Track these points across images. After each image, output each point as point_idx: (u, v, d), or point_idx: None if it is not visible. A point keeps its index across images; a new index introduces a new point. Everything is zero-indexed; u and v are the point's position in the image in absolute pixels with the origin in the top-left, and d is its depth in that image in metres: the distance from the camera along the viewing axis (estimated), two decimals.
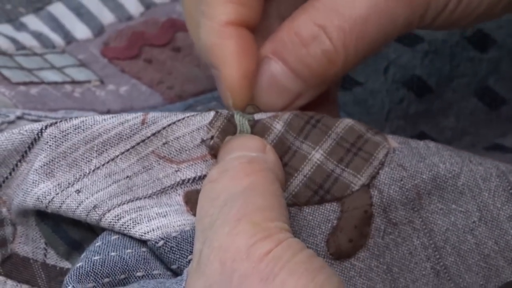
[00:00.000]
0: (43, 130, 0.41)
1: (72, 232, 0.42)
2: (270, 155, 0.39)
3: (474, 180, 0.41)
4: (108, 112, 0.56)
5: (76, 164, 0.41)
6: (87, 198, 0.40)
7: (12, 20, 0.64)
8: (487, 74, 0.58)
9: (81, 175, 0.41)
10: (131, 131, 0.41)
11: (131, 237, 0.39)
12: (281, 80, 0.41)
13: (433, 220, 0.41)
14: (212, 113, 0.42)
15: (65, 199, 0.40)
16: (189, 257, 0.38)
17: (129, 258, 0.39)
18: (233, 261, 0.33)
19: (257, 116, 0.42)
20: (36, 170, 0.41)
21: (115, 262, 0.38)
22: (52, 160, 0.41)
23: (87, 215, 0.40)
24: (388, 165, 0.41)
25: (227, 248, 0.34)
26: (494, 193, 0.41)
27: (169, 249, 0.38)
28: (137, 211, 0.39)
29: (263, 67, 0.42)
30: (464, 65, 0.58)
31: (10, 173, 0.42)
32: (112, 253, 0.39)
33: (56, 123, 0.41)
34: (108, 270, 0.38)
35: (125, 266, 0.38)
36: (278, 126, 0.41)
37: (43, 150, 0.41)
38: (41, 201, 0.40)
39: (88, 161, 0.41)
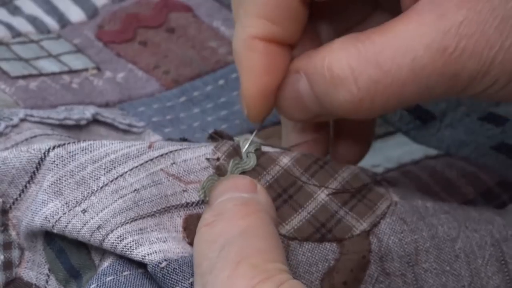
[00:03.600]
0: (50, 150, 0.41)
1: (73, 258, 0.42)
2: (262, 195, 0.39)
3: (470, 247, 0.42)
4: (107, 104, 0.56)
5: (84, 182, 0.41)
6: (92, 218, 0.40)
7: (6, 3, 0.64)
8: None
9: (89, 193, 0.41)
10: (138, 152, 0.41)
11: (126, 280, 0.39)
12: (305, 99, 0.41)
13: (425, 277, 0.41)
14: (218, 142, 0.42)
15: (71, 219, 0.40)
16: (191, 280, 0.38)
17: None
18: None
19: (265, 148, 0.42)
20: (45, 189, 0.41)
21: None
22: (60, 179, 0.41)
23: (91, 235, 0.40)
24: (390, 216, 0.41)
25: None
26: (487, 261, 0.42)
27: (172, 270, 0.38)
28: (139, 233, 0.40)
29: (292, 80, 0.41)
30: None
31: (20, 195, 0.43)
32: None
33: (63, 144, 0.42)
34: None
35: None
36: (284, 160, 0.42)
37: (50, 170, 0.41)
38: (49, 220, 0.40)
39: (97, 178, 0.41)
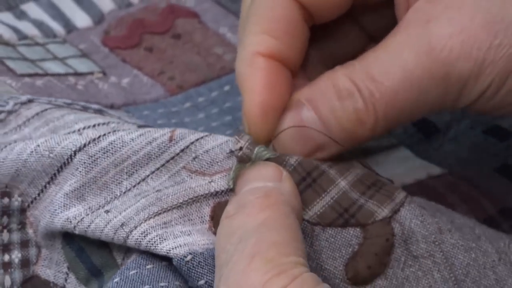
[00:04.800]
0: (72, 156, 0.41)
1: (94, 257, 0.42)
2: (286, 183, 0.39)
3: (489, 233, 0.42)
4: (112, 106, 0.56)
5: (107, 187, 0.41)
6: (115, 216, 0.40)
7: (12, 8, 0.64)
8: None
9: (112, 198, 0.41)
10: (159, 149, 0.41)
11: (149, 273, 0.39)
12: (308, 127, 0.40)
13: (454, 254, 0.41)
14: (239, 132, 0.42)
15: (94, 219, 0.40)
16: None
17: None
18: None
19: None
20: (67, 194, 0.41)
21: None
22: (83, 185, 0.41)
23: (114, 233, 0.40)
24: (409, 204, 0.41)
25: (242, 286, 0.34)
26: (508, 245, 0.42)
27: (197, 264, 0.38)
28: (162, 227, 0.39)
29: (293, 110, 0.41)
30: None
31: (39, 194, 0.42)
32: None
33: (84, 146, 0.41)
34: None
35: None
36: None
37: (73, 176, 0.41)
38: (70, 222, 0.40)
39: (119, 183, 0.41)
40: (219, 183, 0.41)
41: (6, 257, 0.43)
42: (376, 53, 0.40)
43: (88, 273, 0.42)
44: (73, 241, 0.42)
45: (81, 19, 0.63)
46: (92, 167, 0.41)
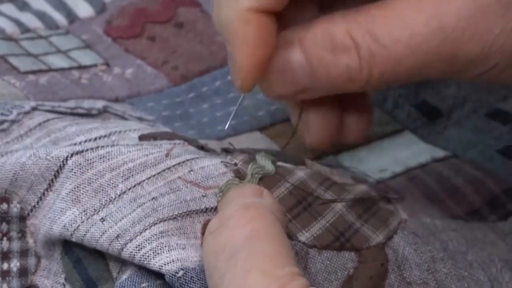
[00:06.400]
0: (68, 158, 0.41)
1: (91, 269, 0.41)
2: (268, 198, 0.38)
3: (481, 259, 0.42)
4: (116, 99, 0.56)
5: (102, 190, 0.40)
6: (111, 227, 0.40)
7: None
8: None
9: (107, 201, 0.40)
10: (155, 160, 0.41)
11: None
12: (296, 69, 0.40)
13: (447, 283, 0.41)
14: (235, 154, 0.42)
15: (90, 227, 0.40)
16: None
17: None
18: None
19: (279, 163, 0.42)
20: (63, 197, 0.41)
21: None
22: (78, 186, 0.41)
23: (109, 244, 0.39)
24: (402, 231, 0.41)
25: None
26: (501, 270, 0.42)
27: (189, 279, 0.38)
28: (158, 238, 0.39)
29: (283, 50, 0.40)
30: None
31: (38, 202, 0.43)
32: None
33: (82, 151, 0.41)
34: None
35: None
36: (300, 173, 0.42)
37: (68, 178, 0.41)
38: (67, 229, 0.40)
39: (114, 186, 0.41)
40: (211, 199, 0.41)
41: (5, 266, 0.43)
42: (382, 11, 0.38)
43: (83, 285, 0.41)
44: (72, 251, 0.42)
45: (84, 9, 0.63)
46: (88, 169, 0.41)
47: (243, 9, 0.40)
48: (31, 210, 0.43)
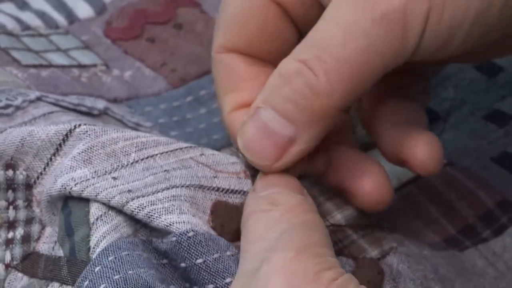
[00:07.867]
0: (77, 126, 0.41)
1: (73, 217, 0.40)
2: (310, 199, 0.39)
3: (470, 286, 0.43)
4: (115, 100, 0.57)
5: (115, 155, 0.40)
6: (122, 184, 0.39)
7: None
8: None
9: (119, 165, 0.40)
10: (168, 141, 0.42)
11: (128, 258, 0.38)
12: (272, 126, 0.39)
13: None
14: None
15: (100, 182, 0.40)
16: (215, 255, 0.38)
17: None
18: (301, 281, 0.34)
19: None
20: (74, 157, 0.40)
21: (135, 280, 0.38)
22: (91, 148, 0.40)
23: (119, 193, 0.39)
24: (394, 254, 0.42)
25: (294, 271, 0.35)
26: None
27: (198, 242, 0.38)
28: (170, 200, 0.39)
29: (254, 118, 0.39)
30: None
31: (45, 168, 0.42)
32: (130, 272, 0.37)
33: (94, 125, 0.42)
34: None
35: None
36: (303, 182, 0.42)
37: (81, 139, 0.41)
38: (74, 180, 0.40)
39: (127, 154, 0.41)
40: (222, 181, 0.41)
41: (10, 234, 0.43)
42: (314, 27, 0.39)
43: (64, 234, 0.41)
44: (67, 206, 0.41)
45: (83, 10, 0.63)
46: (102, 134, 0.41)
47: (227, 113, 0.43)
48: (38, 178, 0.43)
